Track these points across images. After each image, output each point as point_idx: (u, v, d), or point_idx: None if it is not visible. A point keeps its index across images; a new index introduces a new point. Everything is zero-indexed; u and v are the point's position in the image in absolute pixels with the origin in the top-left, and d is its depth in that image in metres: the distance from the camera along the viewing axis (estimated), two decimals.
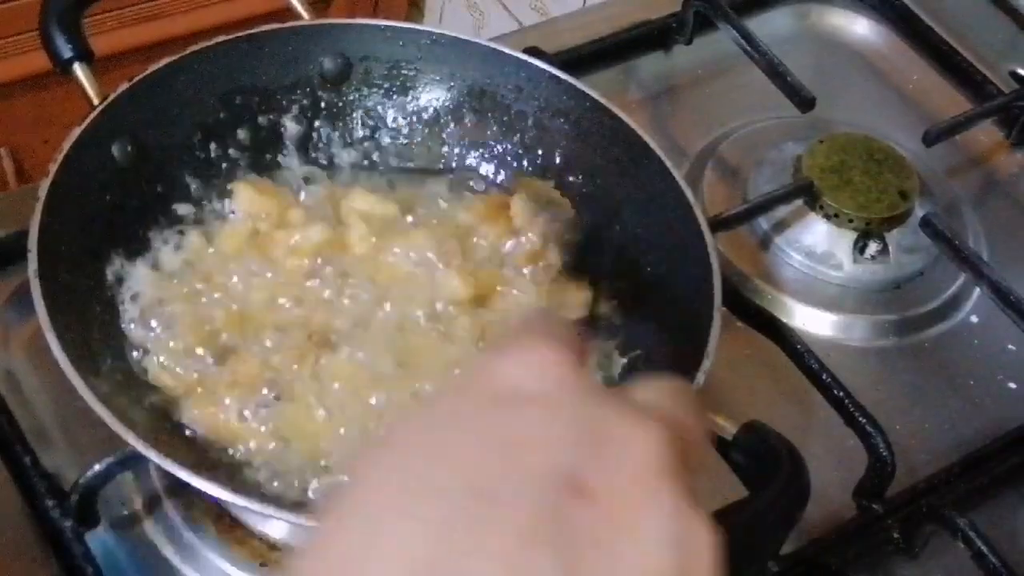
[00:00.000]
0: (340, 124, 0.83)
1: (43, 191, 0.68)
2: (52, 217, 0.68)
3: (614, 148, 0.80)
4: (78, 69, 0.77)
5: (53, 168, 0.69)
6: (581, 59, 1.00)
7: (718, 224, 0.89)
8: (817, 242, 0.92)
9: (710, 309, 0.71)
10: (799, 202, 0.93)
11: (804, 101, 0.96)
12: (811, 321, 0.89)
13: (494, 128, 0.84)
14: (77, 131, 0.71)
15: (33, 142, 1.55)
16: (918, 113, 1.05)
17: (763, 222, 0.93)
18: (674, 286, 0.75)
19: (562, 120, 0.82)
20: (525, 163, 0.83)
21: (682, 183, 0.77)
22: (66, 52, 0.78)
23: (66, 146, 0.71)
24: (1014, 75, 1.06)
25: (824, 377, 0.80)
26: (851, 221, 0.91)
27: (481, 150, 0.84)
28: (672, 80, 1.05)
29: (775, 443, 0.65)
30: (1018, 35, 1.11)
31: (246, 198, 0.78)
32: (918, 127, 0.98)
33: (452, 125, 0.84)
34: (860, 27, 1.11)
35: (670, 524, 0.37)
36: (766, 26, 1.05)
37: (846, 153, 0.94)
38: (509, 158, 0.84)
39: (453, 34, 0.83)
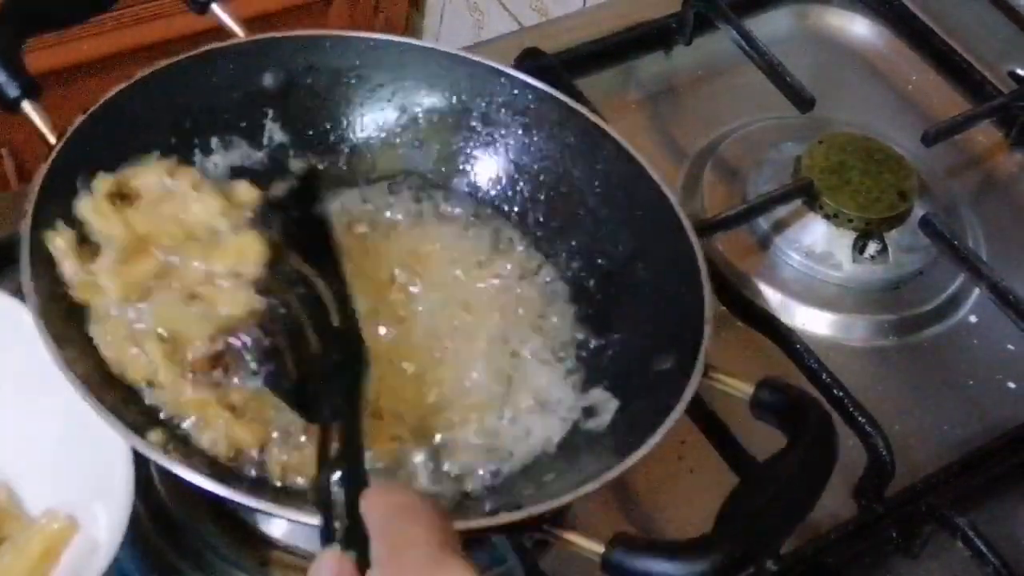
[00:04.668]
0: (289, 137, 0.82)
1: (25, 228, 0.68)
2: (37, 252, 0.68)
3: (565, 134, 0.80)
4: (27, 106, 0.75)
5: (29, 207, 0.69)
6: (581, 59, 1.00)
7: (718, 224, 0.89)
8: (816, 242, 0.92)
9: (697, 279, 0.70)
10: (798, 202, 0.93)
11: (804, 101, 0.96)
12: (811, 321, 0.89)
13: (441, 127, 0.83)
14: (45, 167, 0.71)
15: (34, 141, 1.54)
16: (917, 113, 1.05)
17: (763, 222, 0.93)
18: (653, 264, 0.75)
19: (509, 112, 0.81)
20: (477, 158, 0.83)
21: (642, 160, 0.76)
22: (12, 91, 0.75)
23: (36, 183, 0.71)
24: (1013, 75, 1.06)
25: (824, 377, 0.80)
26: (850, 221, 0.92)
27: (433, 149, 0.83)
28: (672, 80, 1.05)
29: (794, 395, 0.65)
30: (1018, 35, 1.11)
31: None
32: (917, 127, 0.98)
33: (400, 128, 0.84)
34: (859, 27, 1.11)
35: None
36: (766, 26, 1.05)
37: (845, 153, 0.94)
38: (459, 155, 0.83)
39: (388, 38, 0.82)
